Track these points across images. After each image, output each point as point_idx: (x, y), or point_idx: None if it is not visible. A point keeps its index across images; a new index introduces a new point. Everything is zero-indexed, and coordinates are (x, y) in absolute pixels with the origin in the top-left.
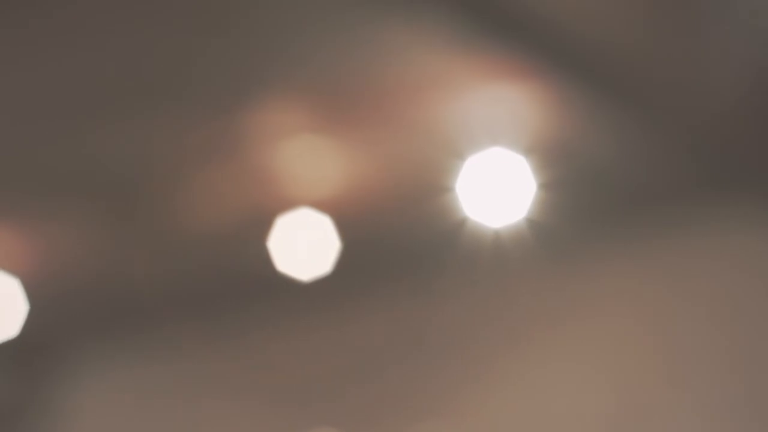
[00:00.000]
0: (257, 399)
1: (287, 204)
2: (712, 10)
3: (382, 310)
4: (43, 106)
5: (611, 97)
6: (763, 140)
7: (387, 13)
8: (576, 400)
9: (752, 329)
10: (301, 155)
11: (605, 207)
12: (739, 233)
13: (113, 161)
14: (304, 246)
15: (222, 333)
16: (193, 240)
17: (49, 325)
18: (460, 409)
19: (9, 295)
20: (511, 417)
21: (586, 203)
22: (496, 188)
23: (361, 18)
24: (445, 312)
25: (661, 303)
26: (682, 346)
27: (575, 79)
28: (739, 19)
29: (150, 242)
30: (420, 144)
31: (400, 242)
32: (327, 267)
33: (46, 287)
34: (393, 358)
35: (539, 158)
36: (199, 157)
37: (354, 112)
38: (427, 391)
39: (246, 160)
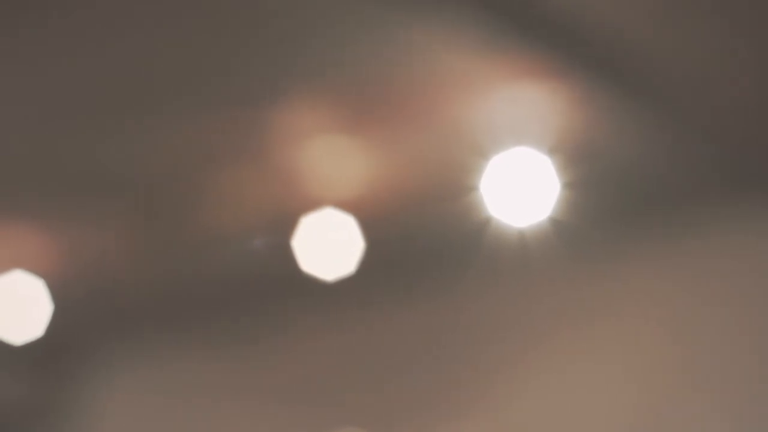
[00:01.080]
0: (281, 399)
1: (311, 204)
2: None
3: (406, 310)
4: (67, 106)
5: (636, 96)
6: None
7: (412, 13)
8: (598, 400)
9: None
10: (326, 155)
11: (629, 207)
12: (763, 234)
13: (138, 162)
14: (328, 246)
15: (246, 333)
16: (218, 240)
17: (74, 326)
18: (484, 409)
19: (34, 296)
20: (534, 417)
21: (610, 203)
22: (520, 188)
23: (385, 18)
24: (468, 312)
25: (685, 303)
26: (705, 346)
27: (599, 78)
28: (764, 19)
29: (174, 243)
30: (444, 143)
31: (424, 242)
32: (351, 267)
33: (71, 288)
34: (417, 358)
35: (563, 158)
36: (223, 158)
37: (378, 111)
38: (451, 392)
39: (270, 160)
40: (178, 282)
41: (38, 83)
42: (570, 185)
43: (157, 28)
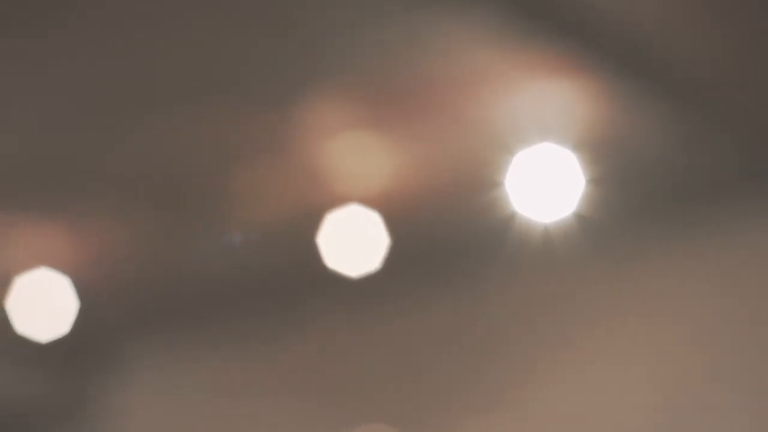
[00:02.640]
0: (306, 395)
1: (336, 200)
2: (758, 4)
3: (431, 306)
4: (93, 104)
5: (660, 92)
6: None
7: (437, 10)
8: (620, 397)
9: None
10: (351, 152)
11: (654, 202)
12: None
13: (162, 159)
14: (353, 242)
15: (272, 329)
16: (244, 238)
17: (99, 323)
18: (507, 405)
19: (59, 294)
20: (558, 413)
21: (635, 199)
22: (545, 183)
23: (410, 15)
24: (493, 307)
25: (709, 300)
26: (730, 344)
27: (624, 74)
28: None
29: (200, 241)
30: (469, 139)
31: (448, 238)
32: (376, 263)
33: (96, 286)
34: (441, 354)
35: (588, 153)
36: (249, 155)
37: (403, 108)
38: (476, 388)
39: (295, 156)
40: (204, 280)
41: (65, 81)
42: (594, 181)
43: (184, 25)
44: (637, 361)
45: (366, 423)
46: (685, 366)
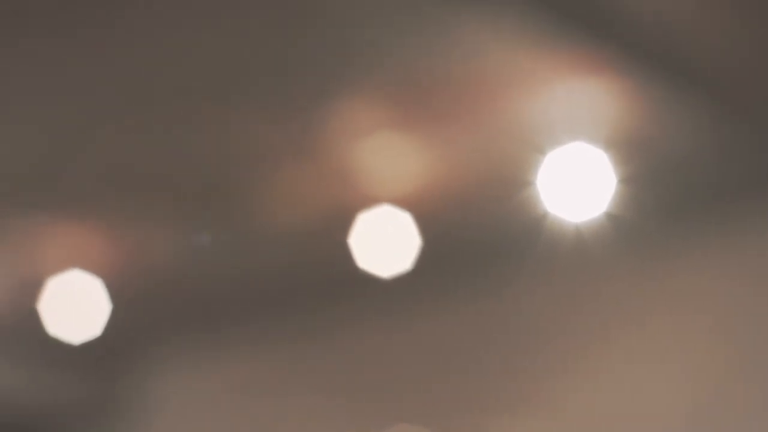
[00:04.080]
0: (337, 395)
1: (368, 201)
2: None
3: (463, 307)
4: (124, 105)
5: (692, 91)
6: None
7: (467, 9)
8: (656, 396)
9: None
10: (382, 152)
11: (686, 202)
12: None
13: (194, 161)
14: (384, 243)
15: (303, 330)
16: (275, 238)
17: (132, 325)
18: (539, 406)
19: (92, 296)
20: (592, 413)
21: (667, 198)
22: (577, 183)
23: (440, 14)
24: (525, 307)
25: (743, 299)
26: (765, 343)
27: (655, 73)
28: None
29: (231, 241)
30: (500, 139)
31: (480, 238)
32: (408, 264)
33: (129, 287)
34: (474, 355)
35: (619, 153)
36: (280, 156)
37: (434, 108)
38: (508, 388)
39: (327, 157)
40: (236, 280)
41: (97, 82)
42: (626, 180)
43: (215, 25)
44: (670, 361)
45: (396, 423)
46: (719, 365)
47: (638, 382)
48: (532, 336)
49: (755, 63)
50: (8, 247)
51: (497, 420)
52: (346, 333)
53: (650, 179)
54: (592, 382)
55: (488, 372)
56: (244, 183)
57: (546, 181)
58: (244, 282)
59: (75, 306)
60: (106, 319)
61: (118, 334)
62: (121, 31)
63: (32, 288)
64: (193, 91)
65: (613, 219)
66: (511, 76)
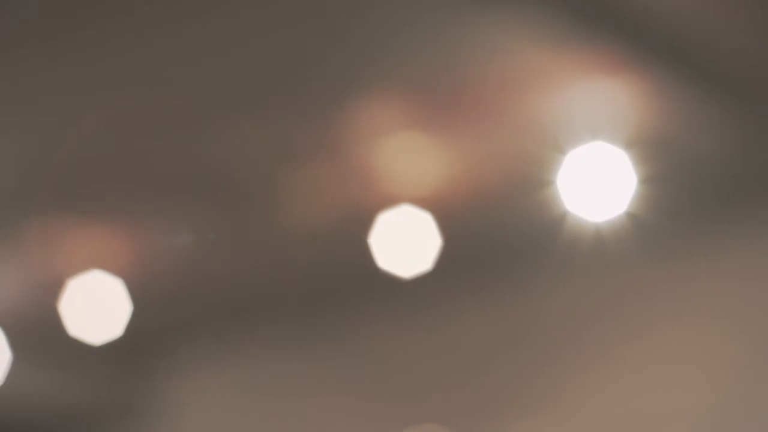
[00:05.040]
0: (357, 396)
1: (388, 201)
2: None
3: (484, 307)
4: (144, 106)
5: (715, 89)
6: None
7: (486, 8)
8: (677, 398)
9: None
10: (402, 152)
11: (707, 201)
12: None
13: (214, 161)
14: (405, 243)
15: (323, 330)
16: (295, 238)
17: (153, 325)
18: (562, 406)
19: (113, 296)
20: (612, 414)
21: (688, 198)
22: (597, 182)
23: (459, 13)
24: (545, 307)
25: (766, 301)
26: None
27: (676, 71)
28: None
29: (252, 241)
30: (520, 139)
31: (500, 238)
32: (428, 264)
33: (150, 288)
34: (494, 355)
35: (640, 152)
36: (299, 155)
37: (453, 107)
38: (529, 388)
39: (346, 157)
40: (256, 280)
41: (118, 84)
42: (647, 180)
43: (236, 26)
44: (691, 362)
45: (417, 424)
46: (741, 367)
47: (660, 384)
48: (553, 336)
49: None
50: (28, 248)
51: (518, 420)
52: (366, 333)
53: (672, 179)
54: (614, 383)
55: (509, 372)
56: (264, 183)
57: (566, 180)
58: (264, 282)
59: (96, 307)
60: (127, 319)
61: (139, 335)
62: (143, 32)
63: (53, 289)
64: (213, 91)
65: (633, 219)
66: (531, 75)
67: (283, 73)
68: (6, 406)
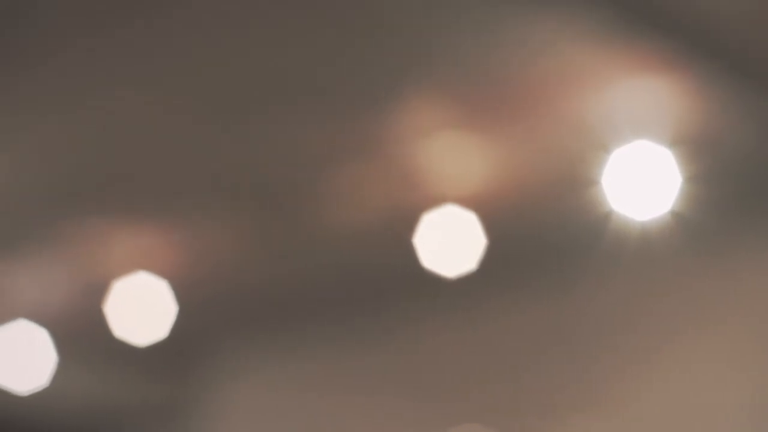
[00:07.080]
0: (403, 395)
1: (432, 201)
2: None
3: (528, 306)
4: (188, 108)
5: (758, 88)
6: None
7: (531, 7)
8: (722, 396)
9: None
10: (446, 152)
11: (752, 199)
12: None
13: (259, 161)
14: (449, 243)
15: (368, 330)
16: (340, 238)
17: (198, 327)
18: (606, 405)
19: (158, 298)
20: (657, 413)
21: (733, 196)
22: (642, 181)
23: (504, 12)
24: (590, 306)
25: None
26: None
27: (720, 70)
28: None
29: (296, 241)
30: (565, 137)
31: (545, 237)
32: (473, 264)
33: (195, 289)
34: (538, 355)
35: (685, 151)
36: (344, 156)
37: (498, 107)
38: (573, 388)
39: (391, 157)
40: (301, 281)
41: (162, 87)
42: (692, 178)
43: (280, 27)
44: (738, 360)
45: (462, 423)
46: None
47: (707, 382)
48: (597, 335)
49: None
50: (74, 250)
51: (564, 419)
52: (411, 333)
53: (716, 177)
54: (659, 382)
55: (554, 372)
56: (308, 184)
57: (611, 179)
58: (309, 282)
59: (141, 308)
60: (172, 321)
61: (184, 336)
62: (187, 35)
63: (98, 291)
64: (258, 92)
65: (678, 217)
66: (576, 74)
67: (328, 75)
68: (52, 407)
